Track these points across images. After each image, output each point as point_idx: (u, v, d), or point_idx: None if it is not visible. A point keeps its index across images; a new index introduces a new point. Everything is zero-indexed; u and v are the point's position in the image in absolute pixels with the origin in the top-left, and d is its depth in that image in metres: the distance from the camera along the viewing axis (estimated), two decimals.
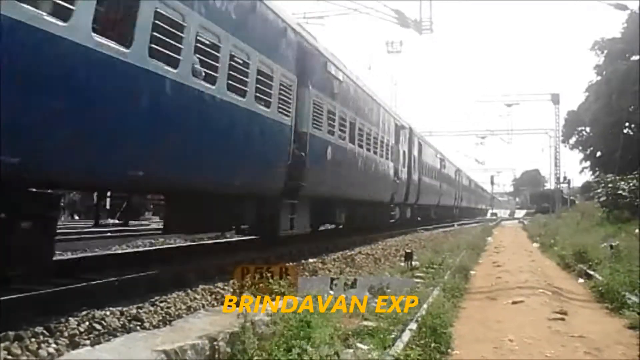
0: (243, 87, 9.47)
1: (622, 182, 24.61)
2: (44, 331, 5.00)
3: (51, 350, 4.65)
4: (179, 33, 7.59)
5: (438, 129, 54.12)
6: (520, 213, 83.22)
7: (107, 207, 11.77)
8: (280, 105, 11.02)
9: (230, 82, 9.04)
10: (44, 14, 5.46)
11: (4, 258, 5.72)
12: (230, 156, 9.45)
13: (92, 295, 6.35)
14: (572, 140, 47.06)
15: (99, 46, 6.18)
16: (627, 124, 37.61)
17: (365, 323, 6.17)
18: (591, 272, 11.59)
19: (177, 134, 7.92)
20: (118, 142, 6.82)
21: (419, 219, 31.09)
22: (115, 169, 6.93)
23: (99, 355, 3.90)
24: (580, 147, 46.13)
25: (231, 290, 7.13)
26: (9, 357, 4.32)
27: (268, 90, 10.43)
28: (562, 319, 7.70)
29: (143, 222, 19.62)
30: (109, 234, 14.82)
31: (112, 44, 6.42)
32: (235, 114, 9.36)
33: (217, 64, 8.62)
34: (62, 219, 17.70)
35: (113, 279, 7.05)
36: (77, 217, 23.45)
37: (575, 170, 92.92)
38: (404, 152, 24.76)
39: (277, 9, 10.95)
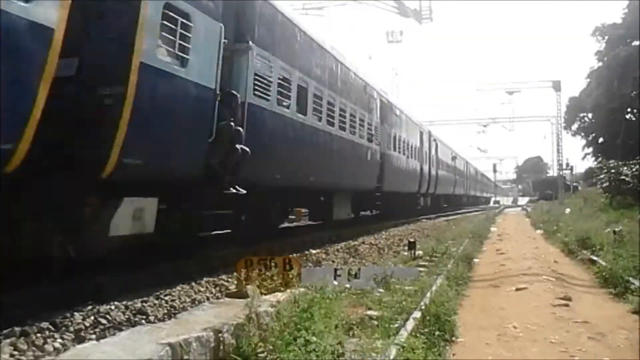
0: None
1: (625, 168, 24.52)
2: (50, 326, 5.00)
3: (57, 345, 4.67)
4: None
5: (440, 117, 54.33)
6: (523, 200, 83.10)
7: None
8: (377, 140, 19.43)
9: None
10: None
11: None
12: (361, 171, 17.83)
13: (97, 289, 6.35)
14: (574, 126, 47.01)
15: None
16: (628, 110, 37.49)
17: (369, 312, 6.19)
18: (595, 258, 11.60)
19: None
20: None
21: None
22: None
23: (105, 349, 3.92)
24: (582, 134, 46.04)
25: (235, 282, 7.14)
26: (15, 352, 4.34)
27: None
28: (566, 305, 7.73)
29: None
30: None
31: None
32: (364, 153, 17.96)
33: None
34: None
35: (118, 273, 7.04)
36: None
37: (577, 156, 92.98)
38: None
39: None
